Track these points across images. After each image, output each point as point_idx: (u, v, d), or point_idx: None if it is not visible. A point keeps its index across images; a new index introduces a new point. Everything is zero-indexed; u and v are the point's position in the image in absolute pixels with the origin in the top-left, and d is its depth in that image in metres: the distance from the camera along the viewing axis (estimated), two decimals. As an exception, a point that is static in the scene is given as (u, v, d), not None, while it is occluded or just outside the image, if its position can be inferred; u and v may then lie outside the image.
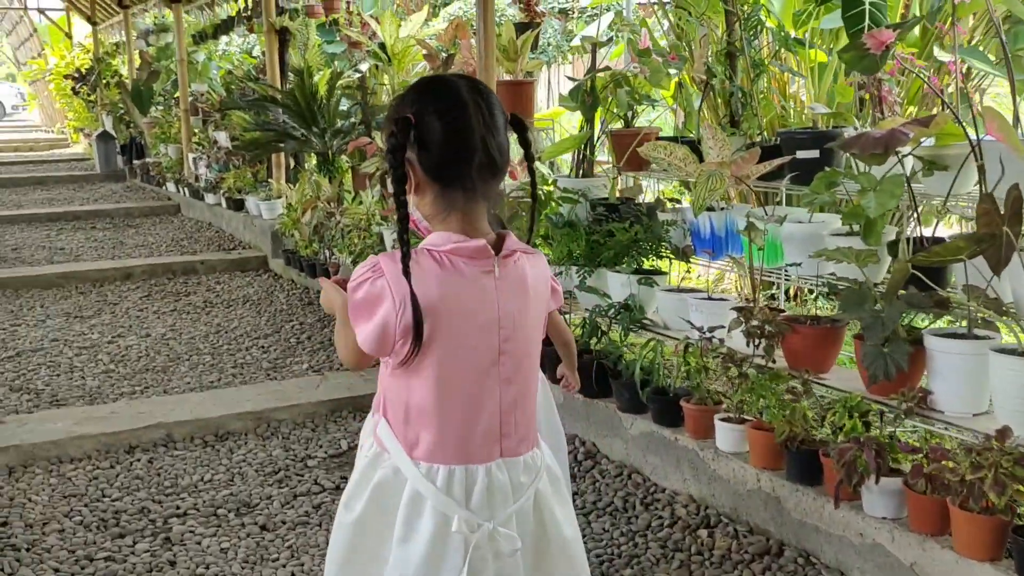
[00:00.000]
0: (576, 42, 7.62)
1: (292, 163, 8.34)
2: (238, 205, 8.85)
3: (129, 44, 14.28)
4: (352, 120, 7.26)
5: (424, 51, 5.97)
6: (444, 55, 5.82)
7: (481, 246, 1.56)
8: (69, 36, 18.65)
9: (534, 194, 1.75)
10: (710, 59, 4.38)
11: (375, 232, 6.20)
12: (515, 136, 1.64)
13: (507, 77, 5.15)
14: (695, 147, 3.88)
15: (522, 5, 5.86)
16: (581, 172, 4.69)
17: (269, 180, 8.37)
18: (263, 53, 9.86)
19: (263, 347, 5.53)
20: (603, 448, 3.88)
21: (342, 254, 6.39)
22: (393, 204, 1.52)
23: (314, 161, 7.65)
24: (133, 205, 10.88)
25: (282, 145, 7.63)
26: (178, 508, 3.48)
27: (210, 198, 9.68)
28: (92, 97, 15.97)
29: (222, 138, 9.68)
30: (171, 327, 5.98)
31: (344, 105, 7.54)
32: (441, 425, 1.58)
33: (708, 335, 3.34)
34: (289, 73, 8.01)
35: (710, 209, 3.77)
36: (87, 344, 5.60)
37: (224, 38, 12.44)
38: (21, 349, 5.50)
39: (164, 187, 11.52)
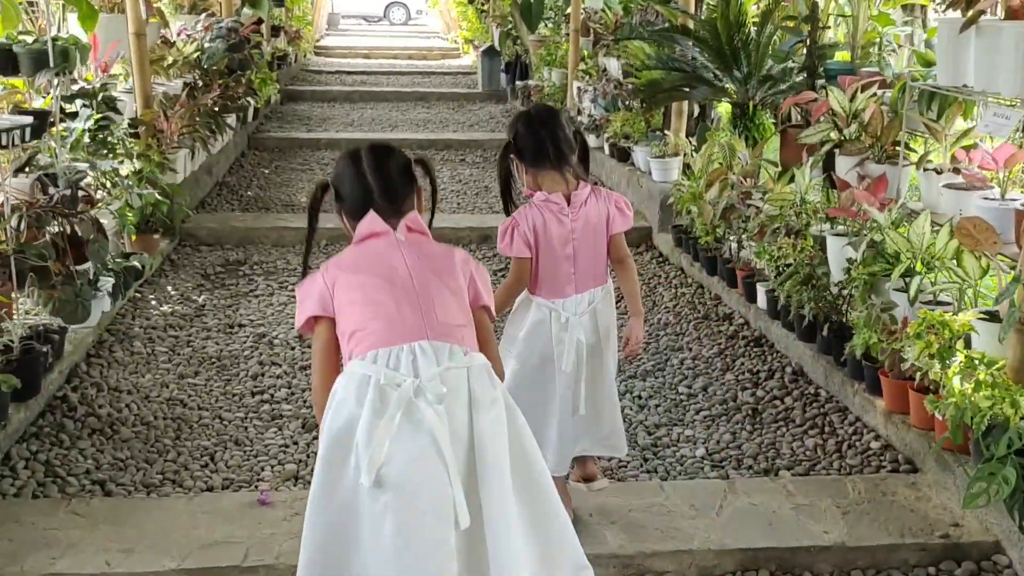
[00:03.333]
0: None
1: (697, 112, 6.58)
2: (623, 155, 7.29)
3: (525, -49, 13.15)
4: (790, 64, 5.36)
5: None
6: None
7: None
8: (472, -60, 18.06)
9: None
10: None
11: (813, 234, 4.35)
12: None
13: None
14: None
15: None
16: None
17: (665, 131, 6.67)
18: (674, -33, 8.10)
19: (637, 395, 4.00)
20: None
21: (759, 258, 4.60)
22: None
23: (727, 115, 5.86)
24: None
25: (688, 91, 5.91)
26: None
27: (591, 140, 8.23)
28: (485, 7, 15.23)
29: (613, 67, 8.13)
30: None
31: (778, 43, 5.64)
32: None
33: None
34: (708, -5, 6.22)
35: None
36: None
37: (628, -54, 10.82)
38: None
39: (543, 116, 10.29)
